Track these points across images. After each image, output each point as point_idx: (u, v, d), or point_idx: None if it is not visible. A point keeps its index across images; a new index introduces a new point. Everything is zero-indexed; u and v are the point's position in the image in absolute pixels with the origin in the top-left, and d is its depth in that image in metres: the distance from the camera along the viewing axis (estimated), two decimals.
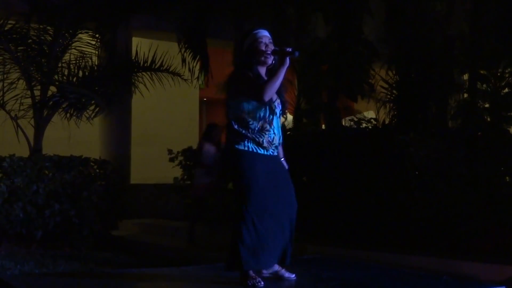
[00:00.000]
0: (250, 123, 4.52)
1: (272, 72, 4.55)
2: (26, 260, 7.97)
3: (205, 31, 10.94)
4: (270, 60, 4.58)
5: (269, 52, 4.55)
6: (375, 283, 4.91)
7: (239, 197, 4.46)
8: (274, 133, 4.58)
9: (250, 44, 4.59)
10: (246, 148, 4.50)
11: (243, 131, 4.51)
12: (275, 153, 4.64)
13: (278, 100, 4.63)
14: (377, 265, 6.15)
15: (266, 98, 4.42)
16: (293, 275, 4.75)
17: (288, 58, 4.45)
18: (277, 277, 4.72)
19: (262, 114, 4.53)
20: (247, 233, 4.40)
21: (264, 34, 4.61)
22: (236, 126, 4.54)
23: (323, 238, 8.25)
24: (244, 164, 4.47)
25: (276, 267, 4.71)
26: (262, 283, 4.44)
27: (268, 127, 4.55)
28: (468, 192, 7.26)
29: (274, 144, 4.59)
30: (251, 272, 4.47)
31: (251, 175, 4.44)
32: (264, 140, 4.53)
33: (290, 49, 4.47)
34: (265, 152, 4.54)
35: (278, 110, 4.62)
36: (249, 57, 4.58)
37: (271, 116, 4.56)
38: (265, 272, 4.69)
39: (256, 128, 4.52)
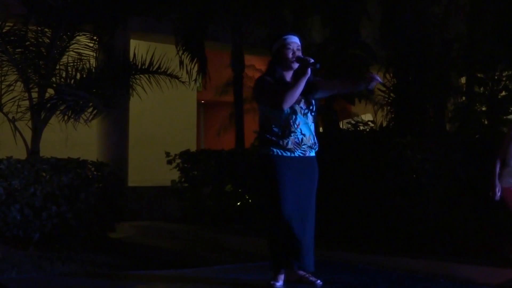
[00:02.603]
0: (273, 127, 4.54)
1: (297, 76, 4.59)
2: (23, 263, 7.94)
3: (203, 33, 10.94)
4: (295, 66, 4.62)
5: (294, 59, 4.57)
6: (373, 286, 4.92)
7: (271, 202, 4.51)
8: (303, 134, 4.57)
9: (277, 49, 4.63)
10: (271, 152, 4.52)
11: (267, 136, 4.56)
12: (307, 154, 4.61)
13: (303, 100, 4.61)
14: (375, 268, 6.15)
15: (285, 107, 4.47)
16: (319, 281, 4.73)
17: (309, 69, 4.46)
18: (303, 282, 4.70)
19: (284, 118, 4.53)
20: (282, 236, 4.49)
21: (293, 41, 4.65)
22: (261, 131, 4.60)
23: (321, 241, 8.23)
24: (271, 169, 4.50)
25: (302, 273, 4.70)
26: (278, 283, 4.54)
27: (293, 128, 4.55)
28: (465, 195, 7.26)
29: (304, 144, 4.57)
30: (279, 274, 4.56)
31: (279, 179, 4.47)
32: (290, 142, 4.53)
33: (313, 60, 4.50)
34: (292, 155, 4.54)
35: (304, 110, 4.60)
36: (276, 61, 4.63)
37: (293, 117, 4.56)
38: (295, 274, 4.68)
39: (279, 132, 4.53)
